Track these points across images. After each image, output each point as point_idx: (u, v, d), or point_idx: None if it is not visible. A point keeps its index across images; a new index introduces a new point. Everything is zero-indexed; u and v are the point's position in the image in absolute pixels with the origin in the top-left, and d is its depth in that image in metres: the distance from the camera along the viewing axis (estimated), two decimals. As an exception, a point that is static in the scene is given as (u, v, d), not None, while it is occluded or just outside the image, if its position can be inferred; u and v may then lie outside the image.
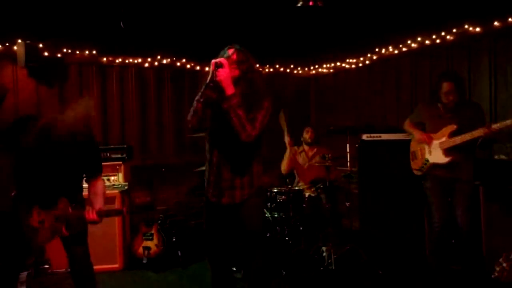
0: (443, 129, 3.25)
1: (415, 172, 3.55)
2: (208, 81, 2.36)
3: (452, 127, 3.19)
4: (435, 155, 3.30)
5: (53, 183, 2.50)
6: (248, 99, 2.41)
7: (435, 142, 3.28)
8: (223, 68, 2.31)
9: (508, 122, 2.93)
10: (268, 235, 4.02)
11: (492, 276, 3.35)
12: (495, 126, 2.97)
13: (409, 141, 3.82)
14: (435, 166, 3.32)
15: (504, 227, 3.43)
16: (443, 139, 3.23)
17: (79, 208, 2.56)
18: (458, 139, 3.14)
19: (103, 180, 2.78)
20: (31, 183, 2.50)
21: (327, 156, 4.27)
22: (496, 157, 3.80)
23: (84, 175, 2.70)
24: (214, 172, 2.51)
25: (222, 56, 2.41)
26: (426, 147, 3.36)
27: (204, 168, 2.67)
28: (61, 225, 2.50)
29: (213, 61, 2.33)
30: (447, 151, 3.22)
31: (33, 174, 2.49)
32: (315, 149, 4.81)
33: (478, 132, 3.03)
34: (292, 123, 6.14)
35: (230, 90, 2.33)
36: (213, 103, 2.40)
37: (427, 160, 3.36)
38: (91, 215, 2.52)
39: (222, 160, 2.49)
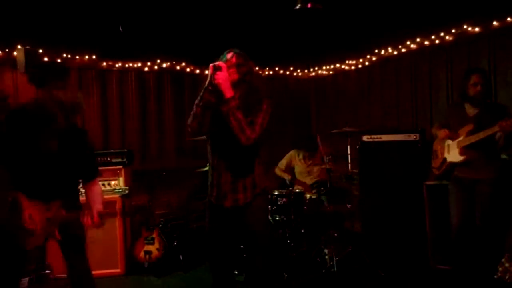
0: (462, 128, 3.25)
1: (434, 171, 3.53)
2: (206, 84, 2.36)
3: (470, 126, 3.19)
4: (452, 153, 3.31)
5: (47, 183, 2.45)
6: (247, 102, 2.41)
7: (455, 141, 3.29)
8: (221, 71, 2.32)
9: None
10: (271, 238, 4.01)
11: (495, 276, 3.34)
12: (509, 120, 2.88)
13: (409, 142, 3.81)
14: (454, 165, 3.32)
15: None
16: (461, 138, 3.24)
17: (74, 212, 2.52)
18: (473, 137, 3.13)
19: (100, 184, 2.75)
20: (24, 183, 2.43)
21: (326, 158, 4.27)
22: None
23: (80, 180, 2.69)
24: (217, 175, 2.51)
25: (221, 60, 2.42)
26: (446, 146, 3.37)
27: (205, 169, 2.67)
28: (53, 228, 2.47)
29: (211, 64, 2.34)
30: (463, 150, 3.22)
31: (26, 173, 2.43)
32: (312, 160, 4.81)
33: (492, 129, 2.99)
34: (293, 125, 6.20)
35: (228, 93, 2.33)
36: (213, 107, 2.40)
37: (445, 159, 3.37)
38: (91, 219, 2.50)
39: (224, 163, 2.49)
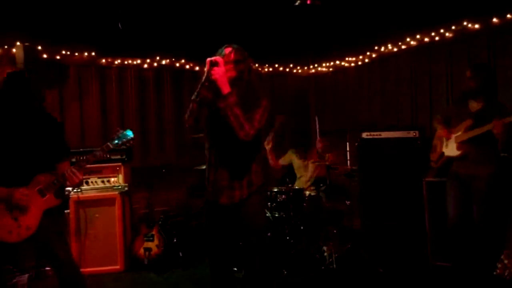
0: (461, 123, 3.26)
1: (432, 164, 3.55)
2: (203, 80, 2.35)
3: (469, 122, 3.19)
4: (450, 148, 3.32)
5: (23, 164, 2.45)
6: (246, 98, 2.39)
7: (453, 136, 3.31)
8: (218, 66, 2.30)
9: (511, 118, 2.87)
10: (269, 234, 4.01)
11: (494, 273, 3.35)
12: (505, 119, 2.88)
13: (408, 139, 3.81)
14: (451, 160, 3.33)
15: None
16: (459, 133, 3.25)
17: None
18: (470, 133, 3.15)
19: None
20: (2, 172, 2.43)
21: (326, 156, 4.27)
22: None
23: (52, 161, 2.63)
24: (213, 171, 2.51)
25: (219, 55, 2.40)
26: (445, 140, 3.38)
27: (203, 167, 2.66)
28: (49, 195, 2.46)
29: (208, 59, 2.31)
30: (460, 145, 3.23)
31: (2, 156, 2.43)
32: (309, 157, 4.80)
33: (487, 127, 2.99)
34: (292, 122, 6.18)
35: (226, 88, 2.31)
36: (210, 102, 2.39)
37: (443, 153, 3.39)
38: (71, 171, 2.47)
39: (221, 159, 2.48)
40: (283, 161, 4.95)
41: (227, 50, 2.41)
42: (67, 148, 2.70)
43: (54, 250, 2.50)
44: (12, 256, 2.56)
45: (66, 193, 3.82)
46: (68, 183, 2.51)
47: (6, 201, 2.40)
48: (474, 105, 3.26)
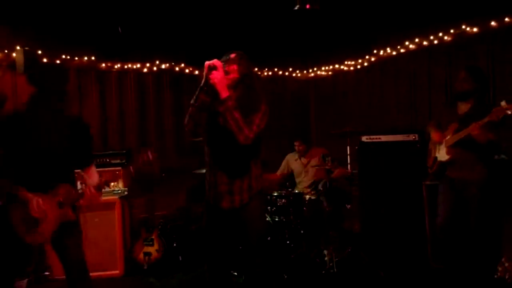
0: (449, 127, 3.25)
1: (428, 169, 3.53)
2: (202, 84, 2.34)
3: (455, 125, 3.17)
4: (441, 152, 3.31)
5: (47, 170, 2.43)
6: (245, 102, 2.39)
7: (444, 140, 3.30)
8: (217, 70, 2.29)
9: (485, 119, 2.85)
10: (269, 238, 4.00)
11: (495, 276, 3.34)
12: (480, 121, 2.86)
13: (408, 142, 3.80)
14: (443, 164, 3.31)
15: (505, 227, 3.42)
16: (448, 136, 3.24)
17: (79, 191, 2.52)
18: (456, 136, 3.12)
19: (94, 167, 2.71)
20: (23, 171, 2.41)
21: (326, 158, 4.27)
22: (496, 157, 3.78)
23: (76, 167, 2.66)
24: (214, 176, 2.50)
25: (224, 60, 2.38)
26: (438, 145, 3.37)
27: (203, 170, 2.65)
28: (67, 209, 2.44)
29: (207, 63, 2.30)
30: (449, 149, 3.22)
31: (25, 161, 2.41)
32: (308, 158, 4.79)
33: (467, 130, 2.97)
34: (292, 126, 6.19)
35: (224, 93, 2.30)
36: (209, 107, 2.39)
37: (436, 158, 3.38)
38: (90, 192, 2.48)
39: (221, 163, 2.48)
40: (281, 170, 4.94)
41: (232, 55, 2.42)
42: (91, 154, 2.72)
43: (67, 250, 2.52)
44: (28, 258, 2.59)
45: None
46: (82, 201, 2.51)
47: (25, 205, 2.37)
48: (462, 108, 3.23)
